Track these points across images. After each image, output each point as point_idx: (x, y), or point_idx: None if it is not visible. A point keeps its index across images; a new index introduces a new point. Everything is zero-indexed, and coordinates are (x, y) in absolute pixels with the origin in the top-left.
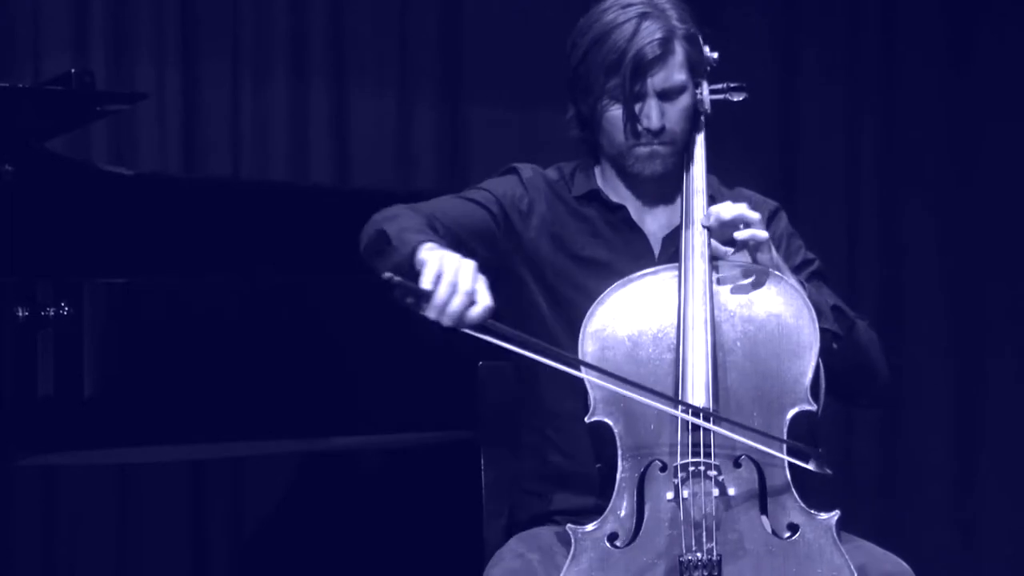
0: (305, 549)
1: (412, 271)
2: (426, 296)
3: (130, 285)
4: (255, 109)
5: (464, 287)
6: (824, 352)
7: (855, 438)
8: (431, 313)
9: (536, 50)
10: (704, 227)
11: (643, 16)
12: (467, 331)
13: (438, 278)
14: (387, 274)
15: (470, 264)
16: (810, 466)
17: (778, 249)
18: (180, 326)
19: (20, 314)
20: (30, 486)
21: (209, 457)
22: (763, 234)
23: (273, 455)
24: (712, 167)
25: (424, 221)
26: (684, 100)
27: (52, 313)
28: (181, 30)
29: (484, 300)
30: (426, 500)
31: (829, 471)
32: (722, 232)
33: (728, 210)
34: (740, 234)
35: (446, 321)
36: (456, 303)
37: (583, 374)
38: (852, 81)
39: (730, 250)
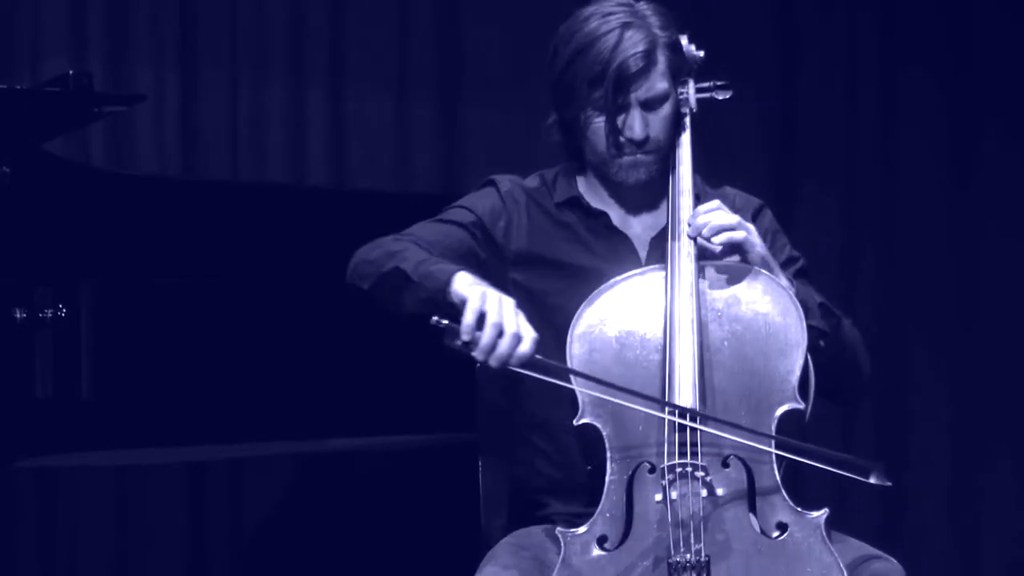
0: (303, 551)
1: (446, 304)
2: (474, 339)
3: (128, 287)
4: (253, 111)
5: (510, 328)
6: (811, 349)
7: (853, 441)
8: (479, 356)
9: (534, 53)
10: (690, 238)
11: (625, 26)
12: (515, 369)
13: (481, 318)
14: (434, 319)
15: (510, 302)
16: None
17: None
18: (178, 328)
19: (18, 316)
20: (28, 488)
21: (207, 459)
22: (739, 235)
23: (272, 457)
24: (698, 167)
25: (425, 250)
26: (667, 108)
27: (50, 315)
28: (179, 31)
29: (529, 335)
30: (424, 502)
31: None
32: (706, 239)
33: (703, 224)
34: (717, 239)
35: (494, 363)
36: (504, 345)
37: (622, 400)
38: (851, 82)
39: (717, 248)
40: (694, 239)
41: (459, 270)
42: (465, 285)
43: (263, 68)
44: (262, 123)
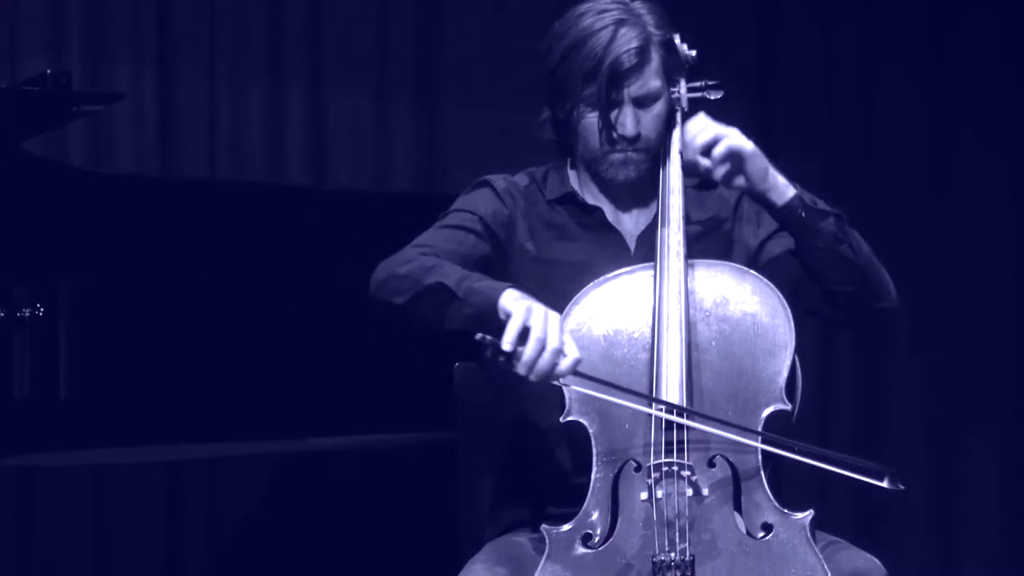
0: (282, 550)
1: (495, 320)
2: (516, 353)
3: (106, 286)
4: (232, 110)
5: (552, 344)
6: (832, 238)
7: (831, 436)
8: (520, 370)
9: (513, 53)
10: (680, 155)
11: (620, 23)
12: (555, 383)
13: (524, 333)
14: (479, 335)
15: (556, 317)
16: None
17: (750, 224)
18: (156, 327)
19: None
20: (6, 487)
21: (186, 458)
22: (734, 140)
23: (251, 456)
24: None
25: (453, 262)
26: (659, 107)
27: (28, 314)
28: (158, 31)
29: (572, 353)
30: (403, 501)
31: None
32: (700, 155)
33: (700, 136)
34: (717, 149)
35: (534, 378)
36: (544, 360)
37: (658, 412)
38: (829, 81)
39: (719, 167)
40: (682, 155)
41: (507, 287)
42: (511, 300)
43: (242, 66)
44: (241, 122)
